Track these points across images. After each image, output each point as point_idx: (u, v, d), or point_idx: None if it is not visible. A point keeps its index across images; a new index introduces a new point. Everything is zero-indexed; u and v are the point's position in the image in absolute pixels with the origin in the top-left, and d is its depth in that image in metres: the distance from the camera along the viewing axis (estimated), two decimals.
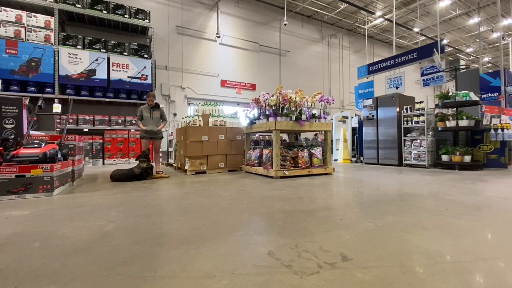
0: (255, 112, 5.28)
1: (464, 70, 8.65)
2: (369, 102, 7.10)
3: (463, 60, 17.97)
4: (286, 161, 4.58)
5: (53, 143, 3.40)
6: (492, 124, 5.46)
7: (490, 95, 8.26)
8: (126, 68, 8.02)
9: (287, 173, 4.35)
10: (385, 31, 15.60)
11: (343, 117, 8.84)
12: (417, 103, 6.42)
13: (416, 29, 14.69)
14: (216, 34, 10.99)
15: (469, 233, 1.63)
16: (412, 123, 6.05)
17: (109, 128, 7.86)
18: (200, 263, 1.26)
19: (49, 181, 2.93)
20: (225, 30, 11.33)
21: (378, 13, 13.18)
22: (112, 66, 7.84)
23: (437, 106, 5.87)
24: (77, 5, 7.63)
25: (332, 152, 7.08)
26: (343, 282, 1.07)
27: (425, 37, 15.28)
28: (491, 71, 11.74)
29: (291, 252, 1.37)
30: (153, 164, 5.19)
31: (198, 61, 10.73)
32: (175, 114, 10.14)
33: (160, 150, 5.62)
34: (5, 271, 1.19)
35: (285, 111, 4.52)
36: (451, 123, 5.29)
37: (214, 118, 5.59)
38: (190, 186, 3.61)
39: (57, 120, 7.17)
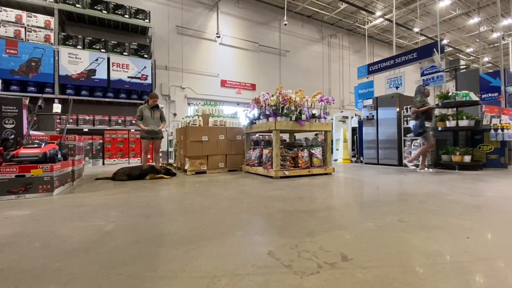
0: (255, 112, 5.28)
1: (464, 70, 8.65)
2: (369, 102, 7.10)
3: (463, 60, 17.96)
4: (286, 161, 4.58)
5: (53, 143, 3.40)
6: (492, 124, 5.46)
7: (490, 95, 8.26)
8: (126, 68, 8.02)
9: (287, 173, 4.35)
10: (385, 31, 15.61)
11: (343, 117, 8.84)
12: None
13: (416, 29, 14.69)
14: (216, 34, 10.99)
15: (469, 233, 1.63)
16: None
17: (109, 128, 7.86)
18: (200, 263, 1.26)
19: (49, 181, 2.93)
20: (225, 30, 11.34)
21: (378, 13, 13.19)
22: (112, 66, 7.84)
23: (437, 106, 5.87)
24: (77, 5, 7.63)
25: (332, 152, 7.08)
26: (343, 282, 1.07)
27: (425, 37, 15.28)
28: (491, 71, 11.74)
29: (291, 252, 1.37)
30: (154, 163, 5.19)
31: (198, 61, 10.73)
32: (175, 114, 10.14)
33: (160, 150, 5.63)
34: (5, 271, 1.19)
35: (285, 111, 4.51)
36: (451, 123, 5.29)
37: (214, 118, 5.58)
38: (190, 186, 3.61)
39: (57, 120, 7.17)
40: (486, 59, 18.04)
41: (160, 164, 5.61)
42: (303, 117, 4.60)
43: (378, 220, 1.91)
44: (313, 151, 4.81)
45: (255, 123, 5.08)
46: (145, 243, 1.51)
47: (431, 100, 6.18)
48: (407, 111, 6.17)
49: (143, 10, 8.53)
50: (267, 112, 4.71)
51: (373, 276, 1.11)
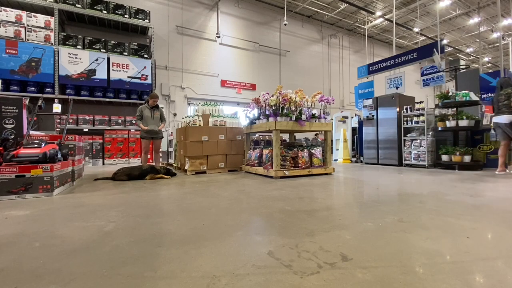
0: (255, 112, 5.28)
1: (464, 70, 8.65)
2: (369, 102, 7.10)
3: (463, 60, 17.97)
4: (286, 161, 4.58)
5: (53, 143, 3.40)
6: (492, 124, 5.45)
7: (490, 95, 8.25)
8: (126, 68, 8.02)
9: (287, 173, 4.35)
10: (385, 31, 15.60)
11: (343, 117, 8.84)
12: (417, 103, 6.42)
13: (416, 29, 14.69)
14: (216, 34, 10.99)
15: (469, 233, 1.63)
16: (412, 123, 6.05)
17: (109, 128, 7.86)
18: (200, 263, 1.26)
19: (49, 181, 2.93)
20: (225, 30, 11.34)
21: (378, 13, 13.19)
22: (112, 66, 7.84)
23: (437, 106, 5.87)
24: (77, 5, 7.63)
25: (332, 152, 7.08)
26: (343, 282, 1.07)
27: (425, 37, 15.28)
28: (491, 71, 11.74)
29: (291, 252, 1.37)
30: (154, 164, 5.19)
31: (198, 61, 10.73)
32: (175, 114, 10.14)
33: (160, 150, 5.63)
34: (5, 271, 1.19)
35: (285, 111, 4.51)
36: (451, 123, 5.29)
37: (214, 118, 5.59)
38: (190, 186, 3.61)
39: (57, 120, 7.17)
40: (486, 59, 18.03)
41: (160, 164, 5.61)
42: (303, 117, 4.60)
43: (378, 220, 1.91)
44: (313, 151, 4.81)
45: (255, 123, 5.08)
46: (145, 243, 1.51)
47: (431, 101, 6.15)
48: (407, 111, 6.18)
49: (143, 10, 8.53)
50: (267, 112, 4.71)
51: (373, 276, 1.11)
